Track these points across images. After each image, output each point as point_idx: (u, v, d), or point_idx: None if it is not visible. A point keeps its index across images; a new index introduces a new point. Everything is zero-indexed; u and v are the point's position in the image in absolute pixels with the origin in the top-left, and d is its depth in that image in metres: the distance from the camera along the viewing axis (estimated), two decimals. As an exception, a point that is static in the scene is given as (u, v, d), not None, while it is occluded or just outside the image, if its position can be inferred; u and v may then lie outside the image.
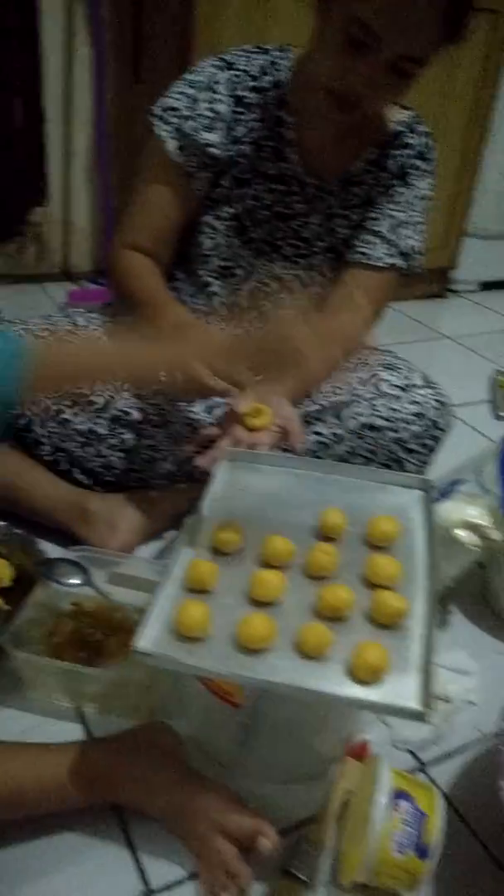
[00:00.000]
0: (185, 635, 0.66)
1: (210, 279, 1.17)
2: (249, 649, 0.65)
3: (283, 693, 0.65)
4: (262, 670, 0.64)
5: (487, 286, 2.57)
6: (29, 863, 0.71)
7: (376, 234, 1.15)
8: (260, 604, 0.71)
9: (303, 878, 0.71)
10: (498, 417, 1.68)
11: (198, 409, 1.13)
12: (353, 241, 1.17)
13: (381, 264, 1.16)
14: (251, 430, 0.96)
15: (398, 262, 1.17)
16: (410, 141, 1.13)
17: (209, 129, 1.04)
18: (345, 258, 1.18)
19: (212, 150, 1.04)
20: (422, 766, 0.86)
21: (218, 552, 0.77)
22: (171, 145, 1.04)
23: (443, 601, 1.09)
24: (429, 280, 2.41)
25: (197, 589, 0.72)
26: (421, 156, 1.14)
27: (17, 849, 0.72)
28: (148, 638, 0.66)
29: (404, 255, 1.17)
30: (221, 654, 0.65)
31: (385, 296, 1.20)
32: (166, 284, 1.19)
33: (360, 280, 1.18)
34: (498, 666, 1.00)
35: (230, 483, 0.88)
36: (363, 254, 1.16)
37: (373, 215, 1.15)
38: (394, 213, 1.15)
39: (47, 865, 0.71)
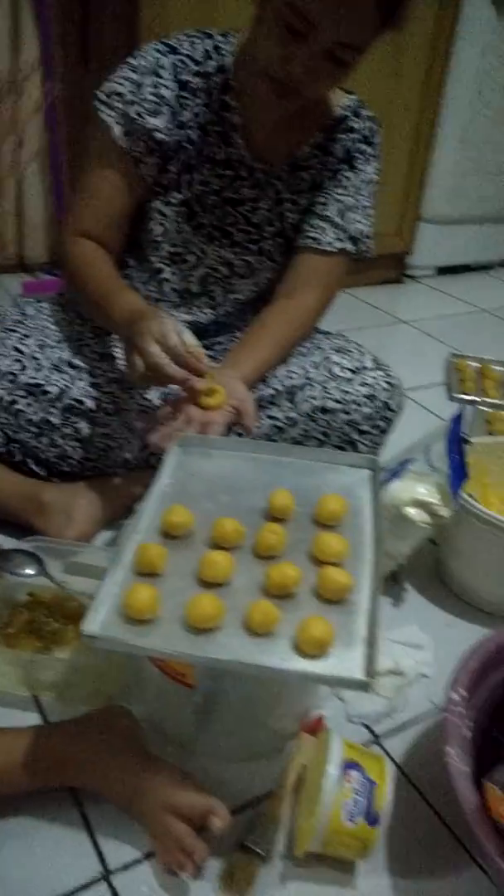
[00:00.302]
0: (134, 618, 0.67)
1: (161, 265, 1.17)
2: (198, 629, 0.66)
3: (231, 670, 0.66)
4: (211, 649, 0.65)
5: (443, 271, 2.61)
6: (-15, 849, 0.71)
7: (325, 218, 1.16)
8: (209, 585, 0.71)
9: (259, 851, 0.72)
10: (452, 399, 1.71)
11: (152, 396, 1.13)
12: (302, 226, 1.18)
13: (330, 249, 1.17)
14: (205, 409, 0.97)
15: (348, 246, 1.18)
16: (355, 125, 1.14)
17: (154, 113, 1.04)
18: (295, 243, 1.19)
19: (158, 134, 1.04)
20: (376, 739, 0.88)
21: (168, 536, 0.78)
22: (117, 130, 1.03)
23: (396, 578, 1.12)
24: (385, 266, 2.43)
25: (146, 572, 0.72)
26: (366, 140, 1.15)
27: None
28: (96, 622, 0.66)
29: (353, 239, 1.19)
30: (170, 634, 0.66)
31: (336, 280, 1.21)
32: (118, 272, 1.19)
33: (310, 265, 1.19)
34: (450, 639, 1.02)
35: (181, 468, 0.89)
36: (313, 238, 1.17)
37: (321, 200, 1.16)
38: (342, 197, 1.16)
39: (4, 848, 0.71)
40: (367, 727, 0.89)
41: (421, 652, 0.99)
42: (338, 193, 1.16)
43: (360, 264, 1.23)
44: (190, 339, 0.94)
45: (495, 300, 2.44)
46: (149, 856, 0.72)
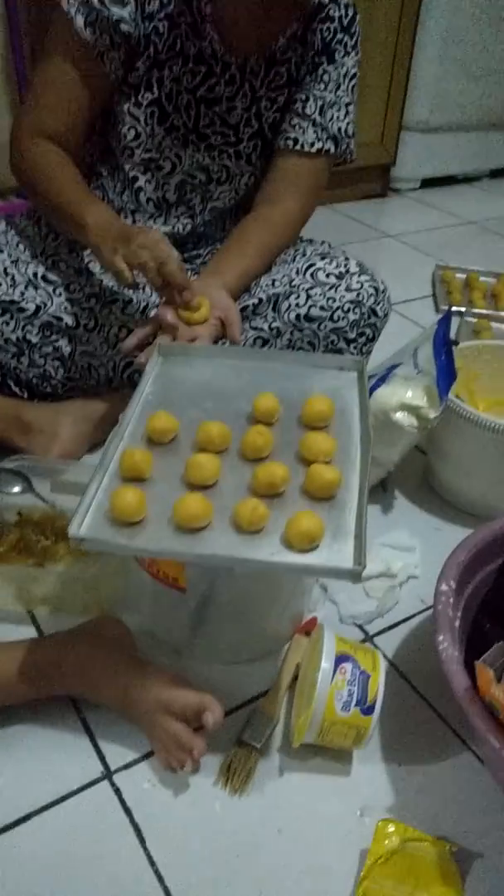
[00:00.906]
0: (121, 520, 0.66)
1: (136, 174, 1.11)
2: (187, 529, 0.66)
3: (221, 565, 0.65)
4: (200, 547, 0.64)
5: (428, 183, 2.53)
6: (-12, 755, 0.72)
7: (305, 117, 1.11)
8: (196, 487, 0.70)
9: (256, 745, 0.74)
10: (440, 311, 1.68)
11: (133, 311, 1.10)
12: (281, 126, 1.13)
13: (311, 150, 1.12)
14: (189, 323, 0.94)
15: (329, 146, 1.13)
16: (333, 13, 1.07)
17: (119, 2, 0.97)
18: (274, 145, 1.14)
19: (123, 26, 0.98)
20: (369, 638, 0.89)
21: (153, 443, 0.76)
22: (79, 21, 0.96)
23: (385, 486, 1.12)
24: (369, 178, 2.36)
25: (132, 477, 0.71)
26: (344, 28, 1.08)
27: (-25, 743, 0.73)
28: (83, 524, 0.65)
29: (335, 139, 1.14)
30: (158, 534, 0.65)
31: (318, 183, 1.17)
32: (91, 183, 1.14)
33: (291, 168, 1.14)
34: (439, 542, 1.02)
35: (163, 376, 0.87)
36: (293, 139, 1.12)
37: (300, 97, 1.11)
38: (321, 94, 1.10)
39: (8, 754, 0.72)
40: (360, 627, 0.90)
41: (411, 554, 1.00)
42: (317, 89, 1.10)
43: (344, 178, 1.19)
44: (173, 251, 0.91)
45: (482, 212, 2.38)
46: (148, 755, 0.73)
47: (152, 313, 1.09)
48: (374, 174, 2.37)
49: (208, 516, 0.66)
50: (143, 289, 1.11)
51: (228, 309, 0.97)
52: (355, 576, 0.62)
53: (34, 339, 1.06)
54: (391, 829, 0.67)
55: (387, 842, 0.66)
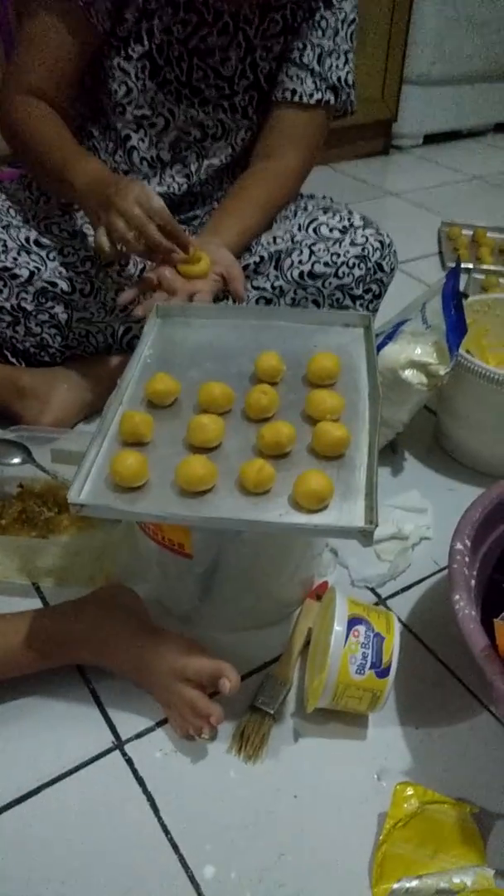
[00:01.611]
0: (122, 485, 0.63)
1: (128, 132, 1.07)
2: (191, 492, 0.63)
3: (228, 528, 0.63)
4: (204, 509, 0.62)
5: (430, 139, 2.46)
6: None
7: (302, 66, 1.06)
8: (199, 449, 0.68)
9: (270, 711, 0.72)
10: (446, 269, 1.64)
11: (129, 274, 1.07)
12: (278, 77, 1.08)
13: (310, 101, 1.08)
14: (188, 277, 0.91)
15: (328, 96, 1.09)
16: (329, -47, 1.02)
17: None
18: (271, 97, 1.09)
19: (108, -27, 0.93)
20: (381, 601, 0.87)
21: (153, 406, 0.74)
22: (63, -31, 0.92)
23: (394, 447, 1.09)
24: (370, 135, 2.29)
25: (132, 441, 0.69)
26: (341, -30, 1.03)
27: (-16, 715, 0.72)
28: (83, 490, 0.63)
29: (334, 88, 1.09)
30: (161, 499, 0.63)
31: (318, 136, 1.13)
32: (82, 144, 1.10)
33: (289, 121, 1.10)
34: (451, 503, 0.99)
35: (161, 338, 0.84)
36: (290, 91, 1.07)
37: (297, 45, 1.06)
38: (319, 41, 1.06)
39: (18, 727, 0.71)
40: (372, 590, 0.88)
41: (423, 516, 0.97)
42: (315, 37, 1.06)
43: (344, 135, 1.15)
44: (163, 207, 0.87)
45: (488, 167, 2.32)
46: (160, 724, 0.72)
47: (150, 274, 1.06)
48: (374, 131, 2.30)
49: (213, 479, 0.64)
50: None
51: (230, 264, 0.94)
52: (367, 535, 0.59)
53: (29, 307, 1.03)
54: (410, 792, 0.65)
55: (406, 805, 0.65)
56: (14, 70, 0.99)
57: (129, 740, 0.71)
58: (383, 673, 0.68)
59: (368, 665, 0.68)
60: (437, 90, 2.31)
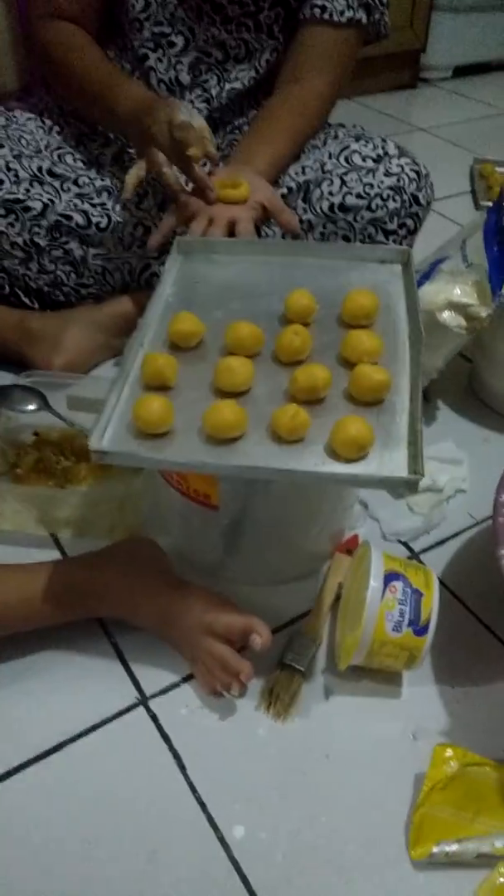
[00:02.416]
0: (146, 431, 0.59)
1: (146, 51, 1.00)
2: (219, 440, 0.59)
3: (260, 478, 0.59)
4: (234, 458, 0.58)
5: (460, 72, 2.33)
6: (20, 681, 0.68)
7: (333, -20, 0.98)
8: (227, 394, 0.63)
9: (300, 668, 0.69)
10: (479, 208, 1.55)
11: (148, 206, 1.00)
12: (305, -8, 0.99)
13: (340, 19, 0.99)
14: (227, 202, 0.86)
15: (360, 15, 1.00)
16: None
17: None
18: (298, 15, 1.01)
19: None
20: (415, 555, 0.83)
21: (176, 348, 0.69)
22: None
23: (427, 395, 1.03)
24: (397, 66, 2.17)
25: (155, 385, 0.64)
26: None
27: (5, 667, 0.69)
28: (104, 437, 0.59)
29: (366, 6, 1.00)
30: (187, 446, 0.59)
31: (348, 58, 1.05)
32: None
33: (318, 41, 1.02)
34: (487, 454, 0.96)
35: (184, 276, 0.78)
36: (320, 7, 0.99)
37: (327, -44, 0.97)
38: (351, -49, 0.97)
39: (38, 681, 0.68)
40: (405, 544, 0.84)
41: (458, 467, 0.93)
42: None
43: (369, 66, 1.06)
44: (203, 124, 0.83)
45: (520, 101, 2.19)
46: (186, 679, 0.69)
47: (171, 208, 1.00)
48: (402, 62, 2.17)
49: (242, 425, 0.59)
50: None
51: (271, 195, 0.88)
52: (412, 486, 0.55)
53: (42, 242, 0.97)
54: (449, 753, 0.62)
55: (445, 767, 0.62)
56: None
57: (153, 696, 0.68)
58: (421, 631, 0.64)
59: (406, 622, 0.64)
60: (469, 18, 2.17)
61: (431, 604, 0.65)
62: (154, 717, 0.66)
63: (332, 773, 0.63)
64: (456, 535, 0.86)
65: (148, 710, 0.67)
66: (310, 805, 0.61)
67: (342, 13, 0.99)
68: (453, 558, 0.83)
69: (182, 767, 0.63)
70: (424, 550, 0.84)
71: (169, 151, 0.85)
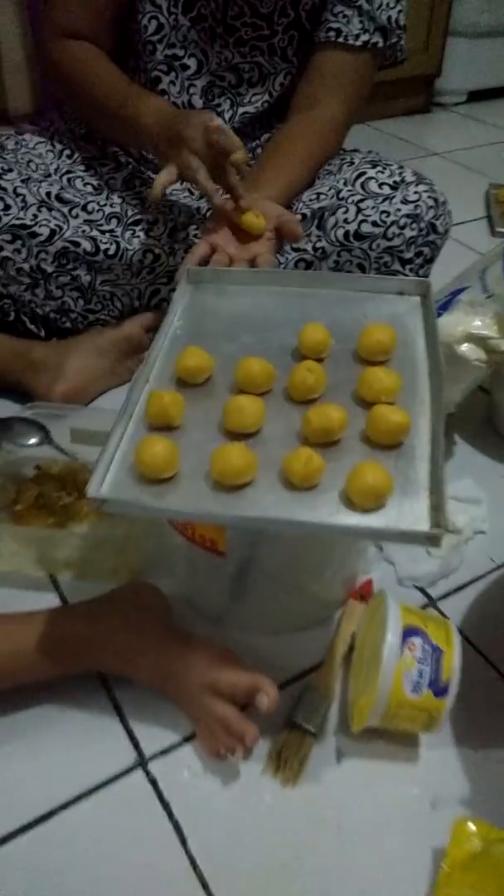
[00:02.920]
0: (149, 477, 0.55)
1: (158, 73, 0.97)
2: (227, 486, 0.55)
3: (269, 529, 0.55)
4: (243, 507, 0.54)
5: (475, 96, 2.31)
6: (10, 740, 0.64)
7: (349, 3, 0.95)
8: (236, 436, 0.59)
9: (310, 728, 0.64)
10: (496, 234, 1.52)
11: (158, 234, 0.97)
12: (321, 16, 0.97)
13: (356, 43, 0.97)
14: (251, 231, 0.84)
15: (376, 39, 0.98)
16: None
17: None
18: (313, 38, 0.99)
19: None
20: (432, 602, 0.78)
21: (184, 384, 0.65)
22: None
23: (445, 428, 0.99)
24: (411, 91, 2.15)
25: (160, 425, 0.60)
26: None
27: (-4, 724, 0.65)
28: (104, 483, 0.55)
29: (384, 30, 0.98)
30: (193, 493, 0.55)
31: (364, 83, 1.02)
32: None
33: (333, 65, 0.99)
34: (508, 492, 0.92)
35: (193, 307, 0.75)
36: (335, 31, 0.96)
37: (343, -22, 0.95)
38: (367, -26, 0.94)
39: (30, 742, 0.64)
40: (422, 590, 0.79)
41: (477, 507, 0.88)
42: (362, -31, 0.94)
43: (382, 91, 1.04)
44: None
45: (536, 126, 2.17)
46: (188, 739, 0.65)
47: (180, 234, 0.97)
48: (416, 86, 2.16)
49: (252, 470, 0.55)
50: (170, 209, 0.98)
51: (281, 213, 0.85)
52: (434, 540, 0.51)
53: (49, 269, 0.94)
54: (472, 829, 0.57)
55: (467, 844, 0.57)
56: (52, 13, 0.93)
57: (153, 757, 0.64)
58: (442, 692, 0.60)
59: (426, 683, 0.60)
60: (485, 42, 2.15)
61: (453, 662, 0.61)
62: (154, 782, 0.62)
63: (344, 846, 0.59)
64: (476, 579, 0.81)
65: (147, 773, 0.62)
66: (320, 883, 0.56)
67: (357, 37, 0.97)
68: (473, 605, 0.78)
69: (183, 840, 0.58)
70: (442, 597, 0.79)
71: (204, 156, 0.82)
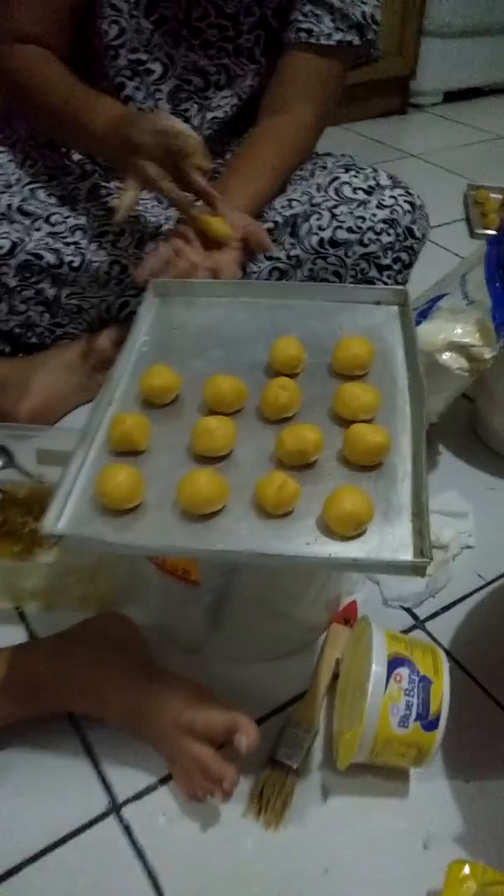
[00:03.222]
0: (112, 507, 0.52)
1: (122, 79, 0.94)
2: (196, 515, 0.51)
3: (240, 561, 0.51)
4: (213, 538, 0.50)
5: (451, 97, 2.29)
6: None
7: (319, 1, 0.92)
8: (206, 459, 0.56)
9: (293, 765, 0.61)
10: (475, 235, 1.49)
11: (125, 245, 0.94)
12: (290, 15, 0.94)
13: (329, 42, 0.93)
14: (213, 237, 0.80)
15: (350, 37, 0.94)
16: None
17: None
18: (281, 38, 0.95)
19: None
20: (419, 623, 0.75)
21: (150, 405, 0.62)
22: None
23: (427, 440, 0.96)
24: (386, 93, 2.13)
25: (124, 450, 0.57)
26: None
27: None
28: (62, 517, 0.51)
29: (359, 27, 0.95)
30: (160, 524, 0.51)
31: (336, 83, 0.99)
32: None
33: (304, 67, 0.96)
34: (494, 503, 0.89)
35: (159, 322, 0.71)
36: (305, 31, 0.93)
37: (312, -26, 0.92)
38: (339, -29, 0.91)
39: (-4, 786, 0.60)
40: (408, 610, 0.76)
41: (463, 521, 0.85)
42: (333, -35, 0.91)
43: (357, 93, 1.01)
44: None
45: (513, 125, 2.15)
46: (164, 781, 0.61)
47: (150, 246, 0.93)
48: (391, 88, 2.14)
49: (223, 497, 0.52)
50: (137, 219, 0.94)
51: (248, 223, 0.82)
52: (420, 571, 0.47)
53: (12, 283, 0.90)
54: (466, 871, 0.54)
55: (462, 888, 0.53)
56: (2, 17, 0.87)
57: (126, 802, 0.60)
58: (431, 725, 0.57)
59: (413, 716, 0.56)
60: (458, 43, 2.14)
61: (441, 692, 0.57)
62: (127, 829, 0.58)
63: (332, 891, 0.55)
64: (464, 598, 0.78)
65: (120, 819, 0.59)
66: (307, 936, 0.53)
67: (329, 36, 0.94)
68: (462, 625, 0.75)
69: (158, 891, 0.54)
70: (430, 617, 0.76)
71: (163, 162, 0.78)
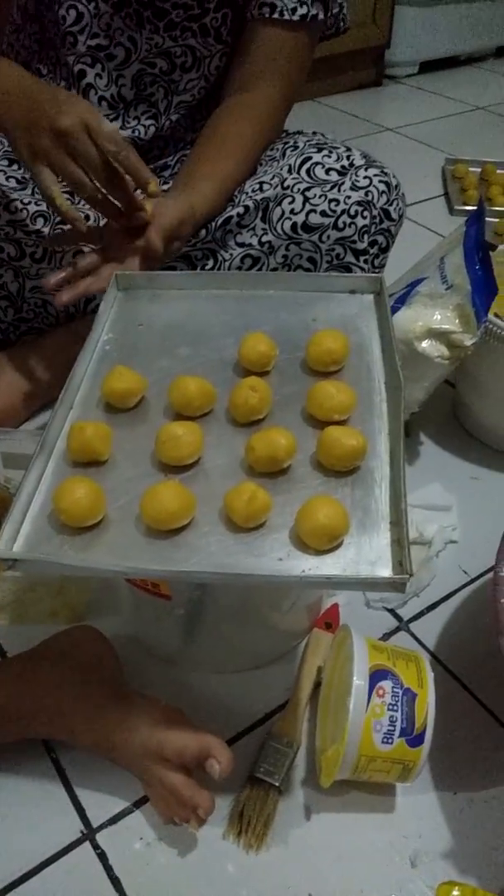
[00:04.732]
0: (71, 525, 0.48)
1: (83, 66, 0.88)
2: (161, 531, 0.48)
3: (208, 581, 0.48)
4: (179, 556, 0.47)
5: (427, 67, 2.24)
6: None
7: (281, -26, 0.87)
8: (172, 469, 0.53)
9: (274, 783, 0.58)
10: (454, 212, 1.45)
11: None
12: (254, -11, 0.89)
13: (293, 17, 0.88)
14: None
15: (315, 10, 0.89)
16: None
17: None
18: (246, 14, 0.90)
19: None
20: (403, 625, 0.72)
21: (112, 409, 0.58)
22: None
23: (408, 429, 0.93)
24: (360, 65, 2.07)
25: (84, 461, 0.53)
26: None
27: None
28: (18, 536, 0.48)
29: (322, 0, 0.90)
30: (123, 542, 0.48)
31: (303, 58, 0.94)
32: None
33: (268, 43, 0.91)
34: (478, 494, 0.86)
35: (123, 318, 0.67)
36: (269, 5, 0.88)
37: None
38: None
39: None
40: (392, 611, 0.74)
41: (446, 515, 0.82)
42: None
43: (330, 65, 0.95)
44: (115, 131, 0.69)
45: (491, 96, 2.10)
46: (139, 803, 0.58)
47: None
48: (365, 59, 2.07)
49: (189, 511, 0.48)
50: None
51: (160, 213, 0.75)
52: (398, 587, 0.44)
53: (-31, 279, 0.86)
54: (456, 893, 0.52)
55: (451, 910, 0.51)
56: None
57: (101, 827, 0.57)
58: (416, 741, 0.54)
59: (398, 732, 0.54)
60: (433, 11, 2.07)
61: (426, 706, 0.55)
62: (102, 855, 0.55)
63: (317, 917, 0.53)
64: (448, 596, 0.75)
65: (95, 846, 0.56)
66: None
67: (294, 10, 0.88)
68: (448, 624, 0.73)
69: (135, 923, 0.52)
70: (414, 618, 0.73)
71: (94, 164, 0.69)
